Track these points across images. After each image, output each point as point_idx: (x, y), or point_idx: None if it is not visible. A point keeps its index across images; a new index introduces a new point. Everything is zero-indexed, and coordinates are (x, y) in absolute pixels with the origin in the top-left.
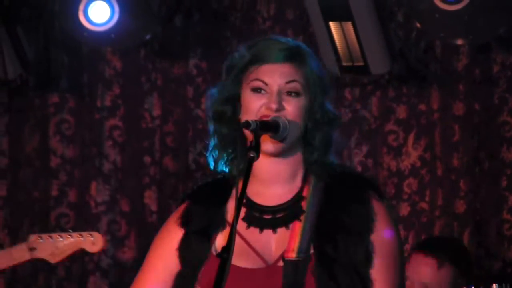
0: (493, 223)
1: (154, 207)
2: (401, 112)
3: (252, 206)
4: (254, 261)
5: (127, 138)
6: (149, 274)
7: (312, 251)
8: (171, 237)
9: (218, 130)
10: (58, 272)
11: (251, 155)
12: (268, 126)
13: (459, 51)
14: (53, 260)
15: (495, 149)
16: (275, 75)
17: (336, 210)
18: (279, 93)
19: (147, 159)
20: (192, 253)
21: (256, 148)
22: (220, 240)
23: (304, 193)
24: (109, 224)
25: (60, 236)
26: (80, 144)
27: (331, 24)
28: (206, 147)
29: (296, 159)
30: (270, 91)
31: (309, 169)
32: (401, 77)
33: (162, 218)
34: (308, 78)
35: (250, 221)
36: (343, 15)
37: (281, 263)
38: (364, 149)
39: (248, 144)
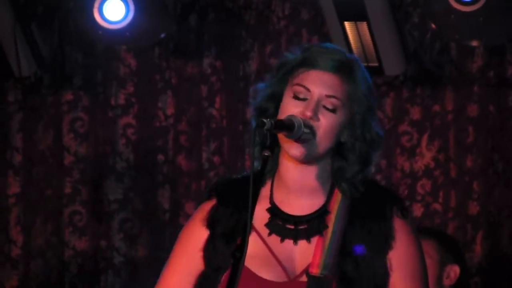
0: (506, 225)
1: (166, 206)
2: (415, 113)
3: (276, 213)
4: (277, 273)
5: (141, 136)
6: (173, 272)
7: (335, 270)
8: (196, 236)
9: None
10: (70, 270)
11: (266, 154)
12: (283, 125)
13: (474, 53)
14: None
15: (509, 151)
16: (319, 84)
17: (360, 228)
18: (318, 103)
19: (160, 157)
20: (217, 255)
21: (271, 147)
22: None
23: (330, 208)
24: (122, 222)
25: None
26: (93, 142)
27: (346, 24)
28: (219, 146)
29: (324, 171)
30: (310, 98)
31: (337, 183)
32: (416, 78)
33: (175, 216)
34: (351, 95)
35: (272, 229)
36: (358, 15)
37: (304, 278)
38: None
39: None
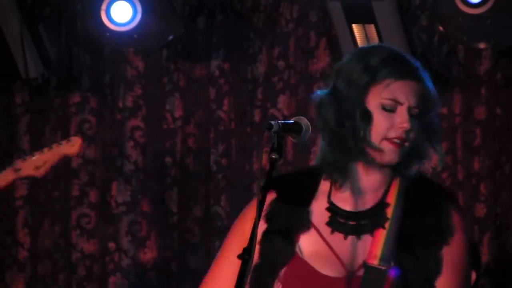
0: None
1: (174, 208)
2: None
3: (336, 211)
4: (336, 269)
5: (149, 138)
6: (227, 263)
7: (393, 261)
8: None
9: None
10: (78, 272)
11: (273, 156)
12: (291, 128)
13: (482, 55)
14: (38, 173)
15: None
16: (409, 95)
17: (417, 220)
18: (409, 113)
19: (168, 160)
20: (274, 250)
21: (279, 150)
22: (304, 241)
23: (389, 199)
24: (130, 225)
25: (41, 151)
26: (101, 144)
27: (354, 26)
28: (228, 148)
29: (390, 169)
30: (401, 110)
31: (395, 176)
32: None
33: (183, 219)
34: (425, 98)
35: (335, 227)
36: (366, 18)
37: (361, 272)
38: None
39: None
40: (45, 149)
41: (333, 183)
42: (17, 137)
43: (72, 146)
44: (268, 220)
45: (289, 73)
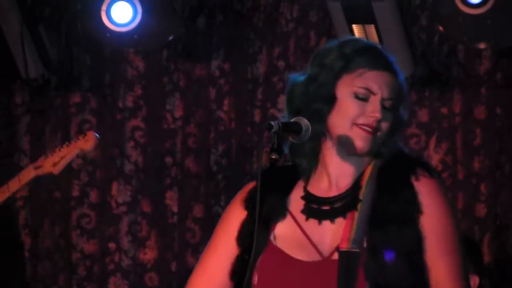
0: None
1: (175, 208)
2: (423, 115)
3: (311, 199)
4: (310, 254)
5: (149, 139)
6: (213, 254)
7: (365, 243)
8: (234, 218)
9: (309, 127)
10: (78, 272)
11: (273, 157)
12: (290, 128)
13: (482, 55)
14: (55, 170)
15: None
16: (382, 86)
17: (386, 198)
18: (381, 104)
19: (168, 160)
20: (251, 239)
21: (279, 150)
22: (279, 229)
23: (362, 182)
24: (130, 225)
25: (59, 147)
26: (101, 144)
27: (354, 26)
28: (228, 149)
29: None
30: (374, 100)
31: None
32: (423, 80)
33: (183, 219)
34: (398, 92)
35: (309, 213)
36: (366, 18)
37: (336, 256)
38: None
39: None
40: (63, 146)
41: (310, 174)
42: (17, 138)
43: (87, 141)
44: (247, 208)
45: (289, 73)
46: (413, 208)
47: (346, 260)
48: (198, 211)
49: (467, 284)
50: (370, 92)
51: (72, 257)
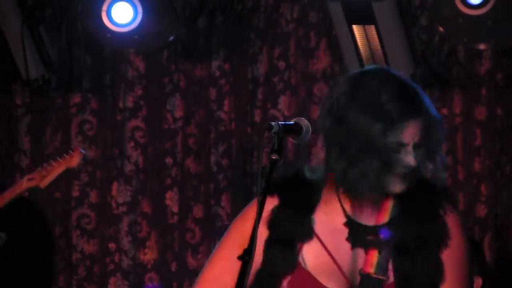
0: None
1: (175, 209)
2: None
3: (355, 226)
4: (339, 281)
5: (149, 139)
6: (224, 261)
7: (390, 269)
8: (248, 233)
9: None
10: (78, 273)
11: (273, 157)
12: (291, 129)
13: (482, 56)
14: (42, 184)
15: None
16: (414, 135)
17: (412, 226)
18: (413, 149)
19: (169, 160)
20: (276, 259)
21: (279, 150)
22: (307, 251)
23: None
24: (130, 225)
25: (49, 163)
26: (102, 144)
27: (354, 27)
28: (228, 149)
29: None
30: (406, 150)
31: None
32: (424, 81)
33: (183, 219)
34: (429, 129)
35: (355, 241)
36: (366, 19)
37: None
38: None
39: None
40: (53, 161)
41: (340, 194)
42: (18, 138)
43: (72, 157)
44: (270, 227)
45: (289, 74)
46: (439, 240)
47: (368, 285)
48: (198, 211)
49: None
50: (402, 144)
51: (72, 257)
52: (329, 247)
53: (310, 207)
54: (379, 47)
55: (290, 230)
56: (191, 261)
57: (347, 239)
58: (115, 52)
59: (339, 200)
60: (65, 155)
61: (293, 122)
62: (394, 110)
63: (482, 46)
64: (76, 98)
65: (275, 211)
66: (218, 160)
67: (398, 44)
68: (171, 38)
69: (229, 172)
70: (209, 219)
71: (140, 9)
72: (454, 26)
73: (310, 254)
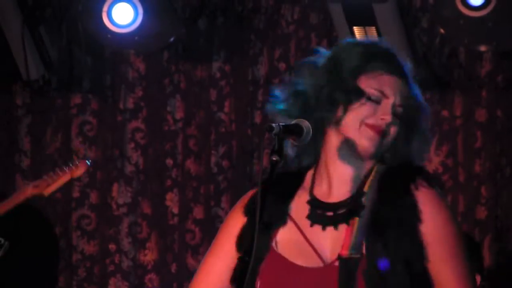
0: None
1: (175, 210)
2: None
3: (316, 204)
4: (312, 260)
5: (150, 140)
6: (216, 259)
7: (364, 249)
8: (234, 224)
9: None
10: (79, 273)
11: (274, 159)
12: (291, 130)
13: (483, 58)
14: (46, 192)
15: None
16: (396, 91)
17: (386, 205)
18: (392, 109)
19: (169, 161)
20: (252, 243)
21: (280, 152)
22: (281, 235)
23: (365, 188)
24: (130, 226)
25: (55, 172)
26: (102, 145)
27: (355, 28)
28: (228, 150)
29: (371, 161)
30: (385, 103)
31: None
32: (424, 83)
33: (184, 220)
34: (410, 101)
35: (314, 219)
36: (367, 20)
37: (337, 262)
38: None
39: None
40: (59, 170)
41: (314, 177)
42: (18, 138)
43: (78, 168)
44: (248, 213)
45: (290, 75)
46: (412, 216)
47: (346, 267)
48: (198, 212)
49: (474, 287)
50: (383, 95)
51: (72, 258)
52: (303, 229)
53: (288, 194)
54: None
55: (267, 217)
56: (191, 262)
57: (307, 217)
58: (115, 52)
59: (312, 180)
60: (71, 165)
61: (294, 123)
62: (375, 59)
63: (483, 48)
64: (77, 99)
65: (253, 199)
66: (218, 161)
67: (399, 45)
68: (172, 39)
69: (229, 173)
70: (209, 220)
71: (140, 10)
72: (455, 27)
73: (284, 237)
